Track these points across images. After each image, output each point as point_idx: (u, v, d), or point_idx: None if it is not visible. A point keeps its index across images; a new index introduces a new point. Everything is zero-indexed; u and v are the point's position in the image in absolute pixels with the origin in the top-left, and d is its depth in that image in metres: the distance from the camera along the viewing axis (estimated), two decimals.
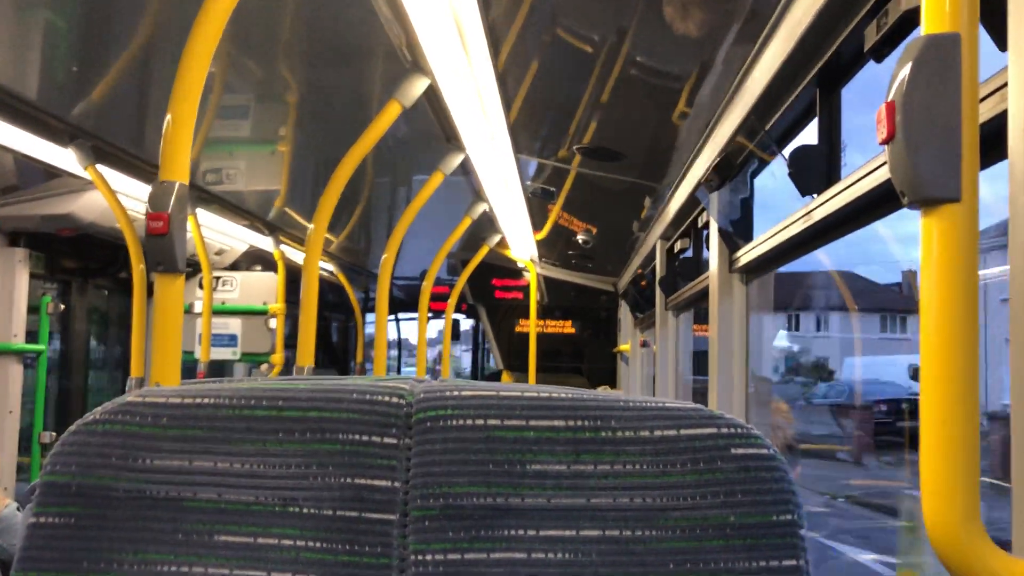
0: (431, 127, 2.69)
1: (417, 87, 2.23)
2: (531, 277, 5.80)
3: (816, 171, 1.76)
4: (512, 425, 0.66)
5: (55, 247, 3.85)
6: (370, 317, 7.61)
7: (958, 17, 0.87)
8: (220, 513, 0.67)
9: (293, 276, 3.89)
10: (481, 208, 3.77)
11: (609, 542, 0.65)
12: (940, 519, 0.89)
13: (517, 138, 2.88)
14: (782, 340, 21.71)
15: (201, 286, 4.27)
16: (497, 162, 3.19)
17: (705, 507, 0.65)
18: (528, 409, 0.67)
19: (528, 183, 3.66)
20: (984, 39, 0.95)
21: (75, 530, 0.67)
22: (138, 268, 2.98)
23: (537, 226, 4.78)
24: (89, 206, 3.29)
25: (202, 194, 3.49)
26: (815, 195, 1.72)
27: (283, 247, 4.47)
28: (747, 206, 2.42)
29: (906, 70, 0.89)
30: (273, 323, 4.62)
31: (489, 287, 6.92)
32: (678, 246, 3.61)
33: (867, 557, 7.06)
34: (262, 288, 4.77)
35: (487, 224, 4.34)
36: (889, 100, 0.91)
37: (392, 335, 9.44)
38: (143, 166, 2.95)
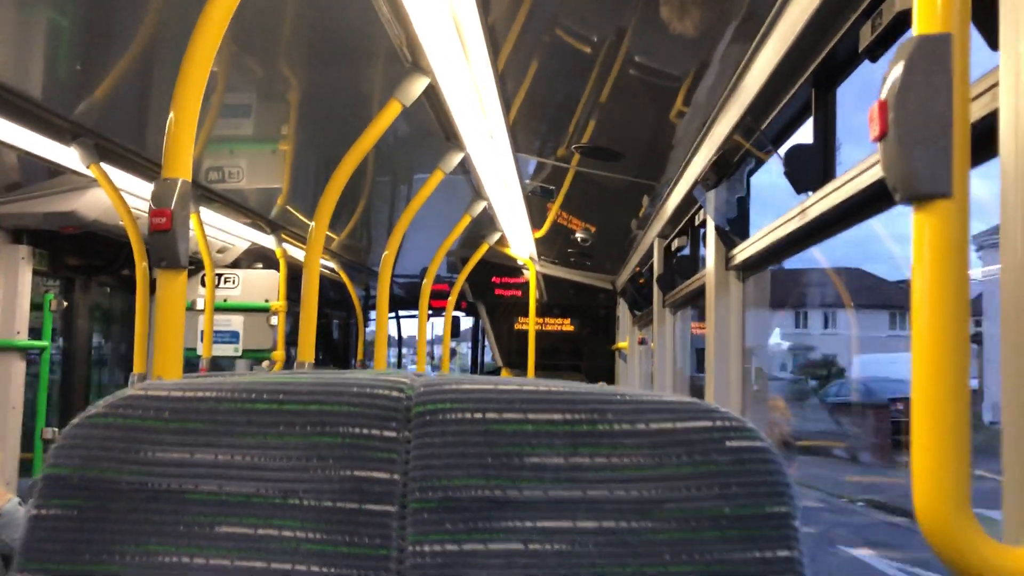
0: (431, 126, 2.70)
1: (417, 86, 2.24)
2: (530, 275, 5.82)
3: (811, 169, 1.77)
4: (510, 418, 0.67)
5: (58, 244, 3.86)
6: (371, 316, 7.63)
7: (950, 18, 0.89)
8: (221, 505, 0.67)
9: (294, 273, 3.90)
10: (481, 206, 3.78)
11: (605, 533, 0.65)
12: (931, 508, 0.90)
13: (516, 137, 2.90)
14: (786, 338, 21.57)
15: (203, 283, 4.28)
16: (497, 161, 3.21)
17: (700, 499, 0.65)
18: (526, 402, 0.67)
19: (527, 182, 3.67)
20: (976, 39, 0.96)
21: (77, 522, 0.67)
22: (140, 265, 2.99)
23: (536, 224, 4.79)
24: (92, 204, 3.30)
25: (204, 192, 3.50)
26: (810, 193, 1.74)
27: (285, 245, 4.48)
28: (743, 204, 2.44)
29: (898, 69, 0.91)
30: (275, 320, 4.64)
31: (489, 285, 6.94)
32: (676, 244, 3.62)
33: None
34: (264, 285, 4.78)
35: (487, 222, 4.35)
36: (882, 99, 0.92)
37: (393, 333, 9.45)
38: (146, 164, 2.96)
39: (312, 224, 2.39)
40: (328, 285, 6.24)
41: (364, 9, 1.87)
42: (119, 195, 2.88)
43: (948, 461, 0.89)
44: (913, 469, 0.91)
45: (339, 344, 9.16)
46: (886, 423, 12.67)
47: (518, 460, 0.66)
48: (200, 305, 4.40)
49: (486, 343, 8.05)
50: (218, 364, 4.74)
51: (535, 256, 5.89)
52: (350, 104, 2.67)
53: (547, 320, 6.80)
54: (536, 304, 5.75)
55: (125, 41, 2.14)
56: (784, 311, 21.50)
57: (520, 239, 5.14)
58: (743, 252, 2.32)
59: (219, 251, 4.47)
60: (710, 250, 2.55)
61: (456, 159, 2.90)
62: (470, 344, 10.36)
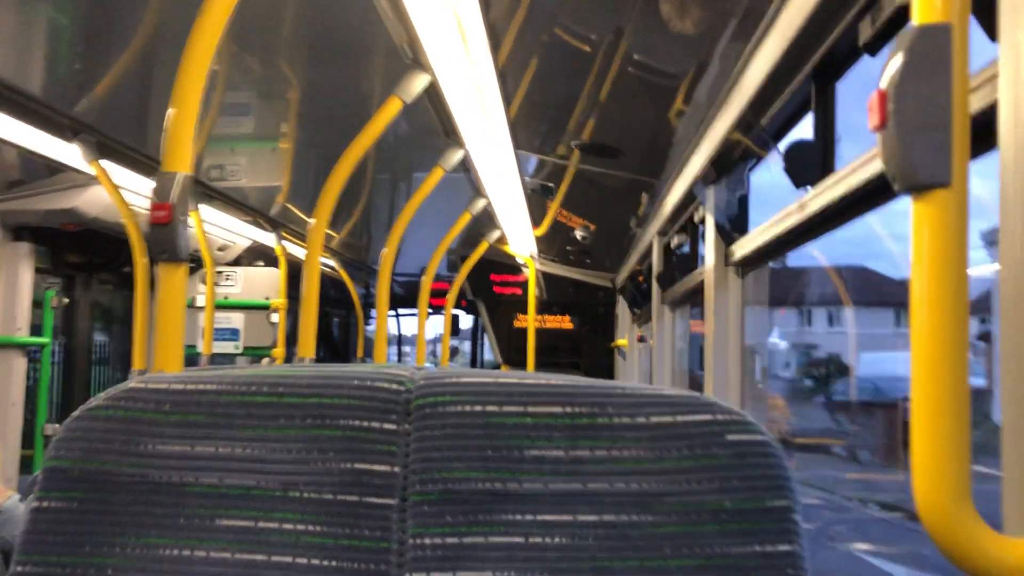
0: (431, 123, 2.70)
1: (417, 83, 2.24)
2: (530, 273, 5.82)
3: (811, 165, 1.77)
4: (511, 411, 0.67)
5: (59, 242, 3.86)
6: (371, 314, 7.62)
7: (950, 8, 0.89)
8: (221, 498, 0.67)
9: (295, 271, 3.90)
10: (481, 204, 3.78)
11: (606, 526, 0.65)
12: (931, 500, 0.90)
13: (517, 134, 2.90)
14: (790, 336, 21.42)
15: (204, 281, 4.29)
16: (497, 158, 3.21)
17: (700, 492, 0.65)
18: (527, 395, 0.67)
19: (527, 179, 3.68)
20: (974, 31, 0.96)
21: (78, 515, 0.67)
22: (141, 262, 2.99)
23: (536, 222, 4.80)
24: (93, 201, 3.30)
25: (205, 190, 3.51)
26: (810, 188, 1.74)
27: (285, 243, 4.49)
28: (743, 201, 2.44)
29: (898, 59, 0.91)
30: (275, 318, 4.64)
31: (488, 283, 6.94)
32: (675, 242, 3.62)
33: None
34: (264, 283, 4.78)
35: (486, 220, 4.35)
36: (881, 88, 0.92)
37: (393, 332, 9.45)
38: (147, 161, 2.96)
39: (312, 222, 2.39)
40: (328, 283, 6.24)
41: (364, 6, 1.88)
42: (119, 193, 2.88)
43: (948, 452, 0.89)
44: (913, 462, 0.91)
45: (339, 343, 9.17)
46: (897, 422, 12.47)
47: (518, 453, 0.66)
48: (200, 302, 4.40)
49: (486, 341, 8.06)
50: (218, 362, 4.75)
51: (535, 254, 5.89)
52: (350, 102, 2.67)
53: (547, 318, 6.80)
54: (536, 302, 5.75)
55: (126, 38, 2.14)
56: (788, 309, 21.36)
57: (520, 237, 5.15)
58: (742, 248, 2.32)
59: (220, 249, 4.47)
60: (709, 246, 2.55)
61: (456, 157, 2.90)
62: (469, 342, 10.36)
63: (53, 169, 3.10)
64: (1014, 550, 0.87)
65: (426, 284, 4.17)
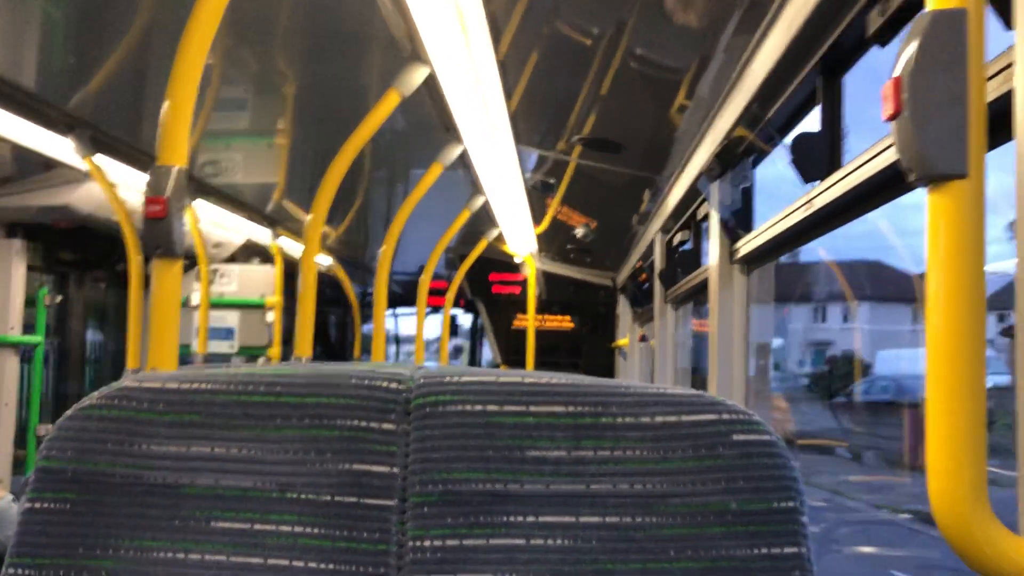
0: (430, 118, 2.68)
1: (416, 76, 2.22)
2: (529, 272, 5.80)
3: (818, 159, 1.75)
4: (512, 411, 0.66)
5: (52, 239, 3.86)
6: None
7: None
8: (217, 499, 0.66)
9: (291, 270, 3.89)
10: (480, 201, 3.76)
11: (609, 528, 0.65)
12: (947, 501, 0.88)
13: (517, 129, 2.88)
14: (804, 333, 21.25)
15: (198, 279, 4.27)
16: (496, 154, 3.19)
17: (706, 493, 0.65)
18: (528, 395, 0.66)
19: (528, 176, 3.66)
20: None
21: (71, 516, 0.66)
22: (135, 259, 2.97)
23: (536, 220, 4.78)
24: (86, 197, 3.28)
25: (200, 186, 3.49)
26: (817, 183, 1.71)
27: (281, 240, 4.47)
28: (748, 196, 2.42)
29: (913, 46, 0.89)
30: (271, 316, 4.62)
31: (487, 282, 6.93)
32: (677, 239, 3.60)
33: None
34: (260, 281, 4.76)
35: (486, 218, 4.34)
36: (896, 76, 0.90)
37: (391, 333, 9.45)
38: (141, 156, 2.94)
39: (308, 218, 2.37)
40: (325, 282, 6.22)
41: None
42: (113, 189, 2.86)
43: (964, 452, 0.87)
44: (929, 462, 0.89)
45: (336, 343, 9.16)
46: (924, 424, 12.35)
47: (519, 453, 0.66)
48: (195, 301, 4.39)
49: (484, 341, 8.05)
50: (213, 362, 4.73)
51: (535, 252, 5.88)
52: (347, 96, 2.65)
53: (546, 317, 6.79)
54: (535, 301, 5.74)
55: (121, 31, 2.12)
56: (801, 305, 21.14)
57: (520, 235, 5.13)
58: (747, 245, 2.30)
59: (215, 246, 4.45)
60: (713, 243, 2.53)
61: (455, 152, 2.88)
62: (468, 342, 10.37)
63: (46, 165, 3.09)
64: None
65: (424, 282, 4.16)
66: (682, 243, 3.57)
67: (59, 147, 2.77)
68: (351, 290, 6.33)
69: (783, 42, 1.68)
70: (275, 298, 4.61)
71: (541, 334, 6.22)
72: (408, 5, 1.89)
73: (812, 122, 1.80)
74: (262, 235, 4.53)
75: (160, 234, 1.52)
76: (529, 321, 5.64)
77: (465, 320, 9.68)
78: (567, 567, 0.64)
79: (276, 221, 4.36)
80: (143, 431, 0.67)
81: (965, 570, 0.91)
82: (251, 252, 4.88)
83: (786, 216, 1.92)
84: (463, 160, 3.06)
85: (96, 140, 2.71)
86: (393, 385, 0.67)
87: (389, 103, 2.22)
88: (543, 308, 6.73)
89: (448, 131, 2.80)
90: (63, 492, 0.67)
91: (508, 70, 2.32)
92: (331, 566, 0.65)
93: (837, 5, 1.48)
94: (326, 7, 1.99)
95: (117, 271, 4.38)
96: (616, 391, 0.67)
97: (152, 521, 0.66)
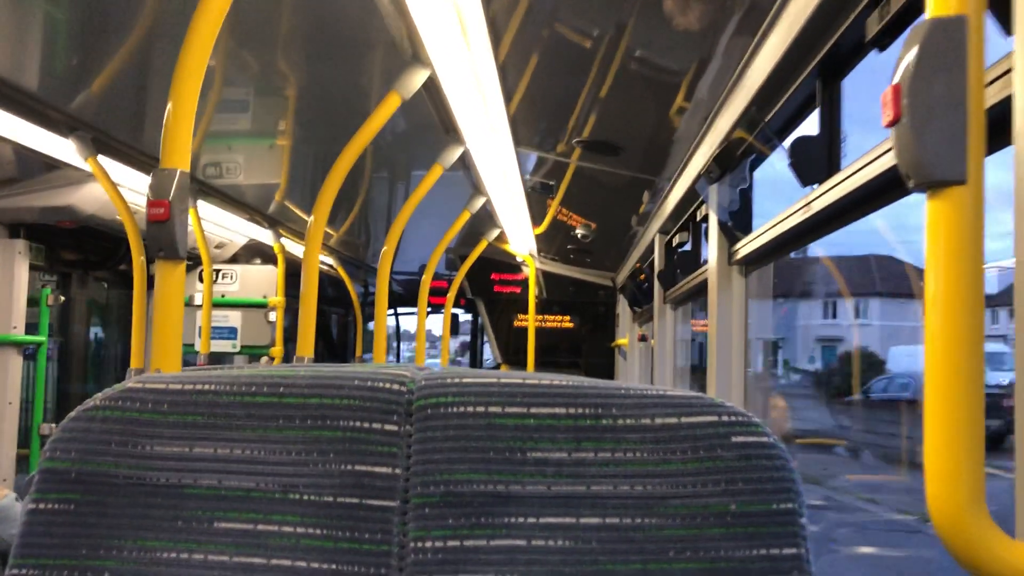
0: (430, 120, 2.68)
1: (417, 79, 2.22)
2: (530, 272, 5.81)
3: (816, 161, 1.76)
4: (513, 412, 0.66)
5: (55, 239, 3.86)
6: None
7: (965, 0, 0.87)
8: (220, 500, 0.66)
9: (293, 270, 3.88)
10: (480, 202, 3.76)
11: (609, 529, 0.65)
12: (944, 504, 0.88)
13: (517, 131, 2.88)
14: (814, 329, 20.93)
15: (201, 279, 4.27)
16: (496, 155, 3.19)
17: (705, 495, 0.65)
18: (529, 396, 0.66)
19: (527, 177, 3.66)
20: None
21: (74, 517, 0.66)
22: (138, 260, 2.97)
23: (536, 221, 4.78)
24: (89, 198, 3.28)
25: (202, 187, 3.49)
26: (815, 186, 1.72)
27: (283, 240, 4.47)
28: (746, 198, 2.42)
29: (912, 53, 0.89)
30: (273, 316, 4.62)
31: (488, 281, 6.93)
32: (677, 240, 3.61)
33: None
34: (262, 281, 4.77)
35: (486, 218, 4.34)
36: (895, 83, 0.90)
37: (392, 332, 9.44)
38: (143, 158, 2.94)
39: (310, 219, 2.37)
40: (327, 282, 6.23)
41: (364, 0, 1.86)
42: (116, 189, 2.86)
43: (962, 455, 0.87)
44: (927, 467, 0.89)
45: (337, 342, 9.15)
46: None
47: (520, 455, 0.66)
48: (198, 300, 4.39)
49: (485, 340, 8.05)
50: (216, 361, 4.73)
51: (535, 252, 5.88)
52: (348, 98, 2.65)
53: (546, 317, 6.79)
54: (536, 301, 5.74)
55: (123, 33, 2.12)
56: (810, 300, 20.86)
57: (520, 235, 5.13)
58: (746, 246, 2.30)
59: (217, 246, 4.45)
60: (712, 245, 2.54)
61: (456, 154, 2.88)
62: (469, 341, 10.35)
63: (49, 166, 3.09)
64: None
65: (425, 282, 4.16)
66: (681, 244, 3.57)
67: (61, 148, 2.77)
68: (353, 290, 6.33)
69: (782, 45, 1.68)
70: (277, 298, 4.61)
71: (541, 334, 6.22)
72: (409, 8, 1.89)
73: (811, 125, 1.81)
74: (264, 236, 4.53)
75: (163, 237, 1.52)
76: (529, 321, 5.65)
77: (466, 319, 9.68)
78: (568, 568, 0.64)
79: (278, 222, 4.36)
80: (146, 432, 0.67)
81: None
82: (253, 252, 4.89)
83: (785, 218, 1.92)
84: (463, 161, 3.06)
85: (98, 142, 2.72)
86: (395, 387, 0.67)
87: (390, 105, 2.22)
88: (543, 308, 6.74)
89: (448, 133, 2.80)
90: (67, 493, 0.67)
91: (508, 72, 2.32)
92: (333, 566, 0.65)
93: (836, 8, 1.49)
94: (327, 10, 2.00)
95: (120, 271, 4.39)
96: (616, 393, 0.67)
97: (155, 521, 0.66)
